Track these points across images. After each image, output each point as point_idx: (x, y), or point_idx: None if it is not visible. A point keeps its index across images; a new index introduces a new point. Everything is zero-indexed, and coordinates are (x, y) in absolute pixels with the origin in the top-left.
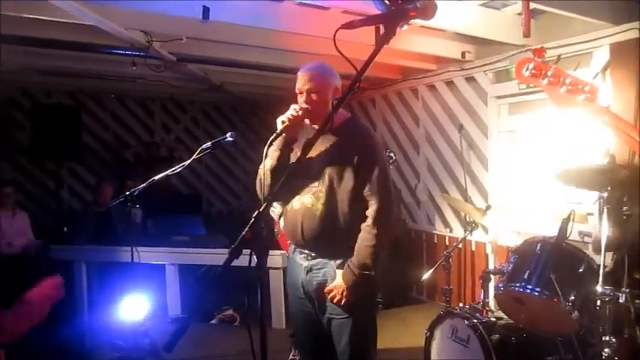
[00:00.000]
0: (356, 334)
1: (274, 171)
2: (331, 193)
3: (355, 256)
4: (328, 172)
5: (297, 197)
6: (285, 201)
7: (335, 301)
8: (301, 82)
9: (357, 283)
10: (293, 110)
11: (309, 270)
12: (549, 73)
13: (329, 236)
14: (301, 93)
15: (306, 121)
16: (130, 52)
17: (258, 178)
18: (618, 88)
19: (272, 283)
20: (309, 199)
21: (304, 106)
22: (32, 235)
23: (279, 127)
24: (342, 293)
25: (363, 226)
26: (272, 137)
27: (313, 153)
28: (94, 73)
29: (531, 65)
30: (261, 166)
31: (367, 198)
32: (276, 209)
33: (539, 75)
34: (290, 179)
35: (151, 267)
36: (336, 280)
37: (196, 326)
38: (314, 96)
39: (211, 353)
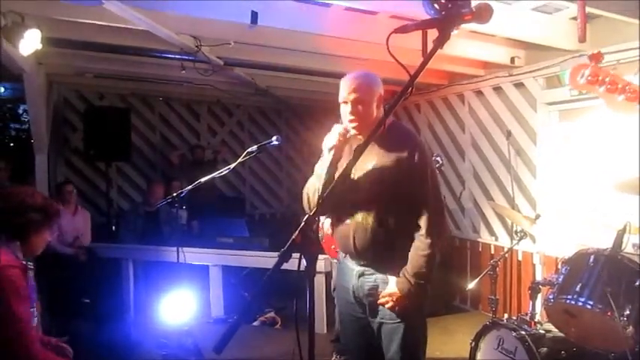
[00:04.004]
0: (407, 340)
1: (322, 192)
2: (381, 206)
3: (409, 264)
4: (378, 185)
5: (348, 212)
6: (336, 215)
7: (387, 307)
8: (346, 91)
9: (411, 292)
10: (339, 135)
11: (361, 275)
12: (607, 79)
13: (382, 250)
14: (346, 103)
15: (352, 132)
16: (179, 57)
17: (305, 193)
18: None
19: (315, 288)
20: (359, 214)
21: (349, 125)
22: (90, 235)
23: (326, 152)
24: (395, 301)
25: (417, 235)
26: (320, 166)
27: (361, 166)
28: (144, 77)
29: (587, 72)
30: (310, 183)
31: (419, 207)
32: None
33: (595, 82)
34: (338, 190)
35: (195, 267)
36: (389, 287)
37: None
38: (360, 107)
39: (253, 355)
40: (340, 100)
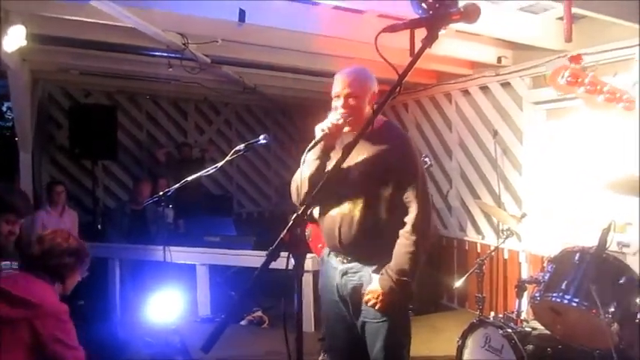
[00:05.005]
0: (391, 339)
1: (312, 179)
2: (369, 198)
3: (393, 261)
4: (367, 177)
5: (335, 202)
6: (323, 206)
7: (370, 305)
8: (340, 86)
9: (394, 290)
10: (333, 119)
11: (345, 273)
12: (586, 81)
13: (366, 242)
14: (338, 97)
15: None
16: (166, 54)
17: (295, 184)
18: None
19: (303, 287)
20: (346, 205)
21: (344, 114)
22: (77, 235)
23: (318, 135)
24: (377, 298)
25: (402, 232)
26: (311, 145)
27: (351, 158)
28: (131, 74)
29: (567, 73)
30: (298, 173)
31: (406, 204)
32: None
33: (575, 83)
34: (328, 185)
35: (182, 266)
36: (372, 284)
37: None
38: (352, 101)
39: (240, 354)
40: (333, 94)
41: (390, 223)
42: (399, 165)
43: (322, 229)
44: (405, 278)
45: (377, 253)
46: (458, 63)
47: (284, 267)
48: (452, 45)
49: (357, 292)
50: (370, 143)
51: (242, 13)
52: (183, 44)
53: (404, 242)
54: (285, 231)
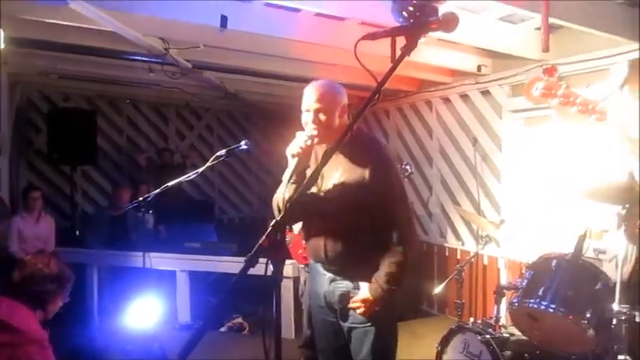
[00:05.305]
0: (377, 344)
1: (291, 201)
2: (351, 213)
3: (382, 270)
4: (345, 192)
5: (318, 218)
6: (306, 221)
7: (358, 312)
8: (309, 100)
9: (383, 298)
10: (301, 142)
11: (333, 280)
12: (559, 92)
13: (353, 260)
14: (308, 111)
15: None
16: (147, 59)
17: (275, 202)
18: (636, 105)
19: (283, 293)
20: (329, 221)
21: (313, 132)
22: (54, 242)
23: (290, 160)
24: (366, 306)
25: (391, 244)
26: (287, 174)
27: (328, 174)
28: (111, 79)
29: (541, 85)
30: (280, 191)
31: (389, 217)
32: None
33: (549, 94)
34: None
35: (163, 273)
36: (361, 292)
37: (206, 334)
38: (322, 116)
39: None
40: (303, 108)
41: (374, 238)
42: (376, 179)
43: (307, 248)
44: (393, 287)
45: (363, 268)
46: (439, 71)
47: (263, 273)
48: (433, 53)
49: (345, 298)
50: (345, 158)
51: (224, 19)
52: (165, 49)
53: (392, 253)
54: (263, 237)
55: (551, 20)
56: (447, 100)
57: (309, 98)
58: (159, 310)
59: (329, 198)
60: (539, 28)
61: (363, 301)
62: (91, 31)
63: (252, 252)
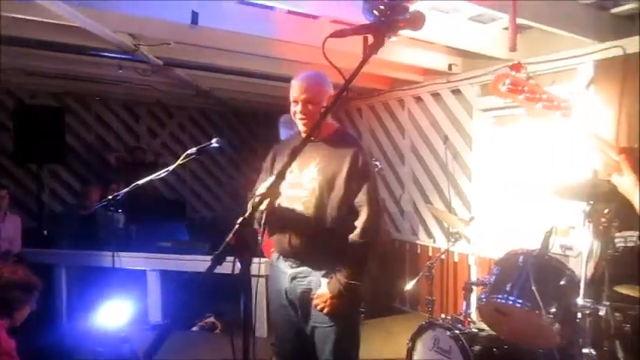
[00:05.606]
0: (340, 344)
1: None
2: (320, 203)
3: (341, 265)
4: (318, 181)
5: (287, 205)
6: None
7: (319, 308)
8: (297, 91)
9: (343, 293)
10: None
11: (294, 278)
12: (526, 88)
13: (316, 246)
14: (296, 102)
15: (301, 130)
16: (116, 55)
17: (252, 198)
18: (602, 104)
19: (257, 292)
20: (298, 209)
21: (301, 127)
22: (20, 242)
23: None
24: (326, 302)
25: (352, 236)
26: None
27: (303, 164)
28: (79, 75)
29: (508, 81)
30: (258, 187)
31: (357, 208)
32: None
33: (515, 90)
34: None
35: (133, 273)
36: (321, 288)
37: (177, 334)
38: (310, 106)
39: None
40: (291, 99)
41: (340, 228)
42: (351, 170)
43: (272, 233)
44: (353, 282)
45: (327, 258)
46: (411, 70)
47: (230, 271)
48: (405, 52)
49: (306, 296)
50: (323, 147)
51: (195, 16)
52: (135, 45)
53: (352, 246)
54: (230, 234)
55: (519, 21)
56: (418, 98)
57: (297, 89)
58: (129, 310)
59: (301, 185)
60: (507, 28)
61: (323, 297)
62: (58, 26)
63: (219, 250)
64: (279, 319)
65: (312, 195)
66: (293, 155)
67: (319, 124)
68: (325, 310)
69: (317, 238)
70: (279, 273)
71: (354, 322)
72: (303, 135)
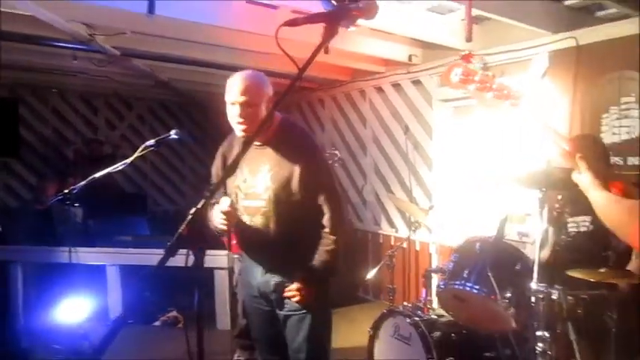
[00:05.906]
0: (313, 331)
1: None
2: (280, 211)
3: (316, 259)
4: (273, 190)
5: (248, 218)
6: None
7: (294, 300)
8: (234, 93)
9: (318, 285)
10: (222, 219)
11: (266, 272)
12: (476, 78)
13: (283, 254)
14: (234, 104)
15: (240, 133)
16: (71, 45)
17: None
18: (555, 95)
19: (217, 284)
20: (259, 220)
21: (239, 132)
22: None
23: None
24: (301, 294)
25: (322, 232)
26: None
27: (255, 169)
28: (33, 66)
29: (460, 71)
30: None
31: (320, 208)
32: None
33: (466, 80)
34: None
35: (93, 268)
36: (297, 281)
37: (138, 328)
38: (249, 109)
39: (152, 356)
40: (228, 100)
41: (304, 231)
42: (303, 167)
43: (239, 242)
44: (326, 274)
45: (293, 261)
46: (372, 60)
47: (208, 265)
48: (365, 42)
49: (278, 287)
50: (273, 151)
51: (151, 5)
52: (90, 35)
53: (324, 242)
54: (183, 225)
55: (476, 12)
56: (380, 89)
57: (234, 90)
58: (89, 306)
59: (257, 192)
60: (465, 19)
61: (298, 289)
62: (10, 15)
63: (172, 241)
64: (251, 310)
65: (270, 204)
66: (232, 168)
67: (269, 119)
68: (298, 300)
69: (285, 253)
70: (251, 266)
71: (326, 310)
72: (243, 140)
